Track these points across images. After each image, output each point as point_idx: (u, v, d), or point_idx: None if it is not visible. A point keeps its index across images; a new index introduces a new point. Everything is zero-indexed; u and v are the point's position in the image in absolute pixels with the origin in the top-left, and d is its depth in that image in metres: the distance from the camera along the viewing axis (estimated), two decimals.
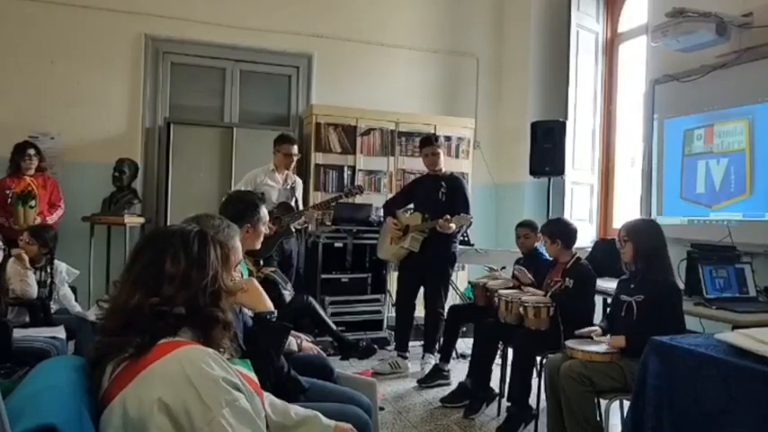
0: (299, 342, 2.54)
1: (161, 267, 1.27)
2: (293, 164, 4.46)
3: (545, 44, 5.72)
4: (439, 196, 4.19)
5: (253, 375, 1.48)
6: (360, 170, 5.43)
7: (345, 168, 5.42)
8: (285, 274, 4.13)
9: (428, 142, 4.31)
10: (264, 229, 2.46)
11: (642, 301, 2.62)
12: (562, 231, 3.33)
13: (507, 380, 3.39)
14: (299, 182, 4.60)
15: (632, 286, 2.71)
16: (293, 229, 4.34)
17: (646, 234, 2.73)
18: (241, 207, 2.40)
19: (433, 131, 5.42)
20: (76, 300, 3.81)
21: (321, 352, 2.63)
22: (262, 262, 3.92)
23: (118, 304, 1.27)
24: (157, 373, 1.16)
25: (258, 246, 2.46)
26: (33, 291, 3.30)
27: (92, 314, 3.34)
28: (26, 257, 3.35)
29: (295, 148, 4.43)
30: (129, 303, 1.24)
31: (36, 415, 1.02)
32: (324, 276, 4.88)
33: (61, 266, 3.61)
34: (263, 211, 2.45)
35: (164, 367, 1.17)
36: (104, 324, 1.28)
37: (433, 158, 4.25)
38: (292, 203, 4.39)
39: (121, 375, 1.19)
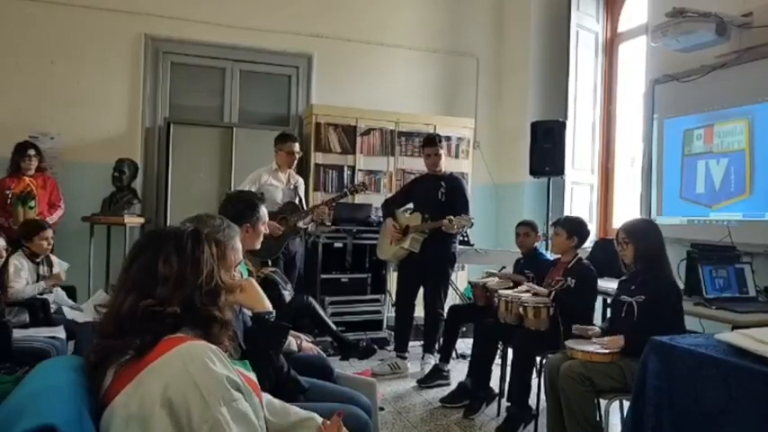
0: (298, 342, 2.54)
1: (154, 269, 1.27)
2: (295, 162, 4.46)
3: (545, 44, 5.72)
4: (438, 196, 4.19)
5: (252, 375, 1.48)
6: (360, 170, 5.43)
7: (345, 168, 5.42)
8: (288, 275, 4.13)
9: (431, 143, 4.30)
10: (264, 228, 2.46)
11: (643, 302, 2.62)
12: (582, 230, 3.32)
13: (507, 380, 3.39)
14: (302, 181, 4.60)
15: (633, 287, 2.71)
16: (303, 226, 4.34)
17: (646, 235, 2.73)
18: (240, 207, 2.40)
19: (432, 131, 5.42)
20: (76, 300, 3.82)
21: (321, 352, 2.62)
22: (270, 263, 3.92)
23: (114, 308, 1.27)
24: (160, 369, 1.16)
25: (258, 246, 2.46)
26: (28, 289, 3.31)
27: (88, 312, 3.33)
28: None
29: (297, 146, 4.43)
30: (124, 307, 1.25)
31: (36, 415, 1.02)
32: (324, 276, 4.88)
33: (54, 260, 3.62)
34: (263, 211, 2.45)
35: (166, 363, 1.17)
36: (102, 328, 1.28)
37: (435, 159, 4.24)
38: (296, 203, 4.38)
39: (123, 375, 1.19)
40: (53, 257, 3.63)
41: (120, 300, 1.26)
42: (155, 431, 1.12)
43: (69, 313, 3.40)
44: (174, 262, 1.29)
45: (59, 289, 3.61)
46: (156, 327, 1.22)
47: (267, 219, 2.51)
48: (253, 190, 4.15)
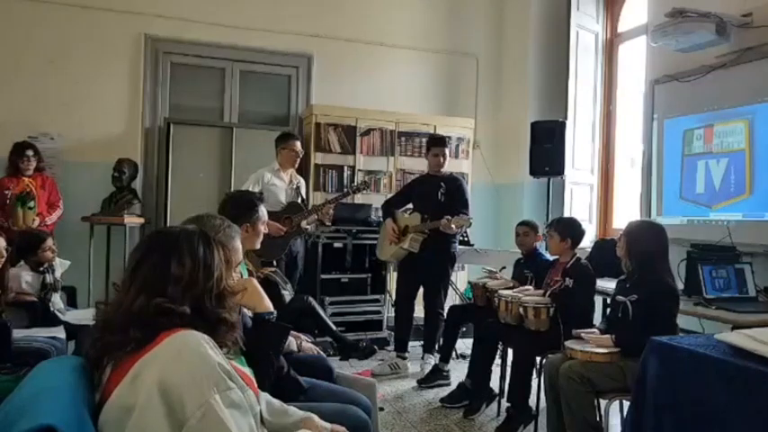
0: (298, 342, 2.53)
1: (167, 269, 1.28)
2: (298, 161, 4.46)
3: (545, 44, 5.72)
4: (438, 196, 4.18)
5: (247, 370, 1.49)
6: (360, 170, 5.43)
7: (345, 168, 5.43)
8: (290, 275, 4.13)
9: (441, 143, 4.32)
10: (264, 228, 2.46)
11: (636, 302, 2.62)
12: (575, 231, 3.32)
13: (507, 380, 3.39)
14: (303, 182, 4.60)
15: (628, 286, 2.72)
16: (306, 226, 4.34)
17: (639, 236, 2.73)
18: (240, 206, 2.39)
19: (432, 131, 5.43)
20: (76, 301, 3.81)
21: (321, 352, 2.62)
22: (275, 263, 3.92)
23: (122, 306, 1.27)
24: (154, 358, 1.17)
25: (258, 245, 2.45)
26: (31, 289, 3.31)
27: (89, 317, 3.30)
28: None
29: (299, 145, 4.43)
30: (135, 306, 1.24)
31: (35, 415, 1.02)
32: (324, 276, 4.87)
33: (56, 261, 3.60)
34: (262, 211, 2.45)
35: (160, 352, 1.17)
36: (105, 324, 1.28)
37: (441, 160, 4.26)
38: (299, 203, 4.39)
39: (119, 369, 1.19)
40: (55, 260, 3.61)
41: (131, 298, 1.26)
42: (148, 419, 1.11)
43: (68, 317, 3.38)
44: (188, 263, 1.30)
45: (56, 295, 3.59)
46: (161, 322, 1.23)
47: (267, 218, 2.50)
48: (256, 190, 4.16)
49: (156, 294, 1.25)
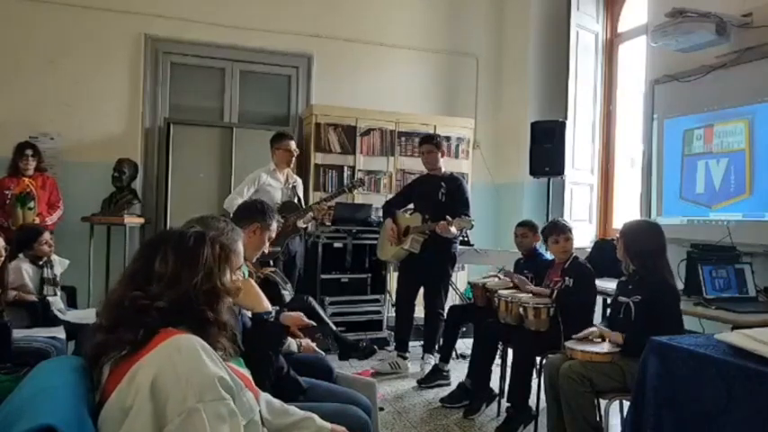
0: (299, 342, 2.54)
1: (151, 266, 1.30)
2: (293, 161, 4.46)
3: (545, 44, 5.72)
4: (439, 197, 4.18)
5: (245, 371, 1.48)
6: (359, 170, 5.44)
7: (345, 168, 5.43)
8: (289, 275, 4.12)
9: (424, 140, 4.36)
10: (266, 242, 2.47)
11: (639, 302, 2.62)
12: (568, 226, 3.36)
13: (507, 380, 3.39)
14: (300, 181, 4.59)
15: (630, 287, 2.71)
16: (303, 225, 4.34)
17: (637, 235, 2.73)
18: (262, 210, 2.44)
19: (432, 131, 5.43)
20: (76, 301, 3.81)
21: (321, 352, 2.62)
22: (271, 263, 3.91)
23: (109, 301, 1.30)
24: (150, 361, 1.17)
25: (254, 258, 2.46)
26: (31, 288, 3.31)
27: (90, 316, 3.32)
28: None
29: (294, 144, 4.43)
30: (113, 297, 1.28)
31: (35, 415, 1.02)
32: (324, 276, 4.87)
33: (55, 259, 3.60)
34: (275, 225, 2.48)
35: (156, 354, 1.18)
36: (100, 322, 1.30)
37: (428, 157, 4.26)
38: (295, 202, 4.38)
39: (117, 372, 1.19)
40: (54, 257, 3.62)
41: (115, 293, 1.29)
42: (138, 421, 1.12)
43: (68, 317, 3.38)
44: (171, 261, 1.30)
45: (56, 293, 3.59)
46: (147, 321, 1.23)
47: (274, 236, 2.52)
48: (252, 190, 4.18)
49: (136, 290, 1.27)
